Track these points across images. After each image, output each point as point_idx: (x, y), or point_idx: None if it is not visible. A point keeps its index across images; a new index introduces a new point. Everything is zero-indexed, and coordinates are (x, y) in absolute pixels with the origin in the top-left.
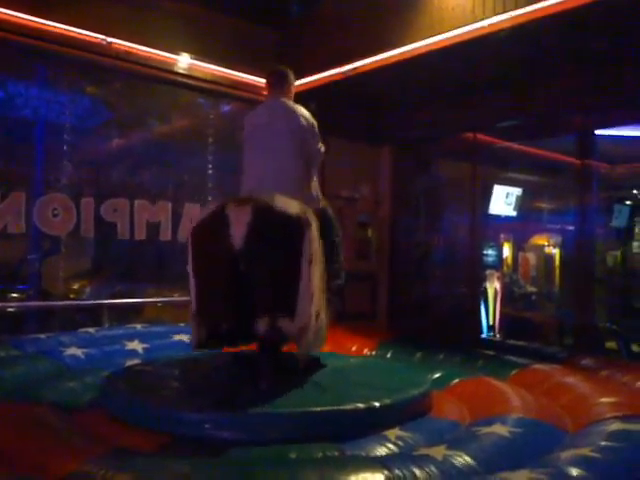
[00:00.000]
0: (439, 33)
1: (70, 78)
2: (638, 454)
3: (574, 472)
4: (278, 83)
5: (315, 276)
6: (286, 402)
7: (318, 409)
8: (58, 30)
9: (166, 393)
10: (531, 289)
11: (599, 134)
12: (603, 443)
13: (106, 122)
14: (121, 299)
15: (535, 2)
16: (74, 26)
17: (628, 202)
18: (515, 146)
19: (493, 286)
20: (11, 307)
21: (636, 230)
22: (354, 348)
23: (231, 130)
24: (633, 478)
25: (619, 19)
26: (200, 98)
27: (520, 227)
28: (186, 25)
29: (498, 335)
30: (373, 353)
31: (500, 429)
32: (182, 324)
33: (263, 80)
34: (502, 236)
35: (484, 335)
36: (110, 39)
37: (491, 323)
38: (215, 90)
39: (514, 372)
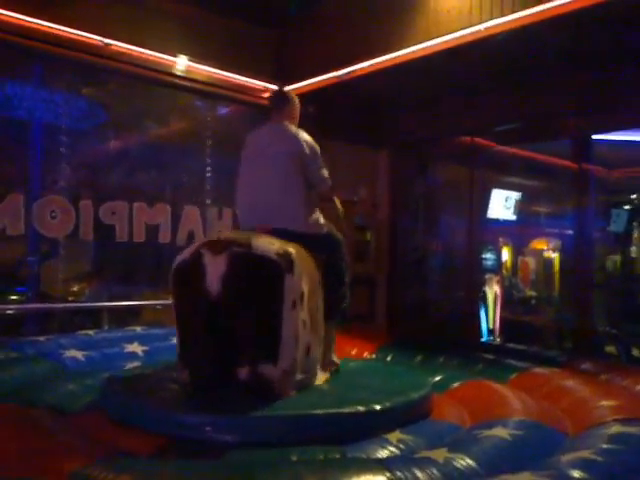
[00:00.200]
0: (436, 36)
1: (68, 79)
2: (638, 457)
3: (575, 474)
4: (278, 106)
5: (301, 317)
6: (287, 405)
7: (319, 412)
8: (55, 31)
9: (165, 395)
10: (530, 293)
11: (596, 138)
12: (603, 446)
13: (104, 124)
14: (120, 301)
15: (532, 5)
16: (72, 27)
17: (626, 207)
18: (513, 150)
19: (493, 290)
20: (10, 309)
21: (635, 235)
22: (354, 351)
23: (229, 132)
24: None
25: (616, 25)
26: (198, 100)
27: (519, 231)
28: (184, 27)
29: (498, 339)
30: (373, 356)
31: (501, 432)
32: None
33: (261, 83)
34: (501, 240)
35: (484, 339)
36: (107, 40)
37: (491, 327)
38: (213, 92)
39: (514, 375)
